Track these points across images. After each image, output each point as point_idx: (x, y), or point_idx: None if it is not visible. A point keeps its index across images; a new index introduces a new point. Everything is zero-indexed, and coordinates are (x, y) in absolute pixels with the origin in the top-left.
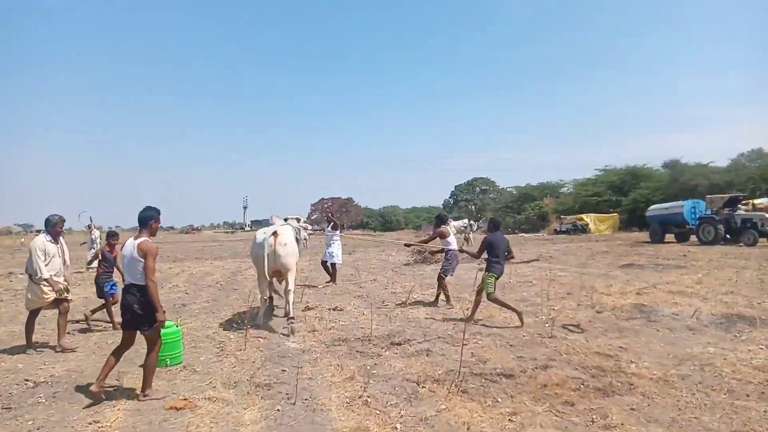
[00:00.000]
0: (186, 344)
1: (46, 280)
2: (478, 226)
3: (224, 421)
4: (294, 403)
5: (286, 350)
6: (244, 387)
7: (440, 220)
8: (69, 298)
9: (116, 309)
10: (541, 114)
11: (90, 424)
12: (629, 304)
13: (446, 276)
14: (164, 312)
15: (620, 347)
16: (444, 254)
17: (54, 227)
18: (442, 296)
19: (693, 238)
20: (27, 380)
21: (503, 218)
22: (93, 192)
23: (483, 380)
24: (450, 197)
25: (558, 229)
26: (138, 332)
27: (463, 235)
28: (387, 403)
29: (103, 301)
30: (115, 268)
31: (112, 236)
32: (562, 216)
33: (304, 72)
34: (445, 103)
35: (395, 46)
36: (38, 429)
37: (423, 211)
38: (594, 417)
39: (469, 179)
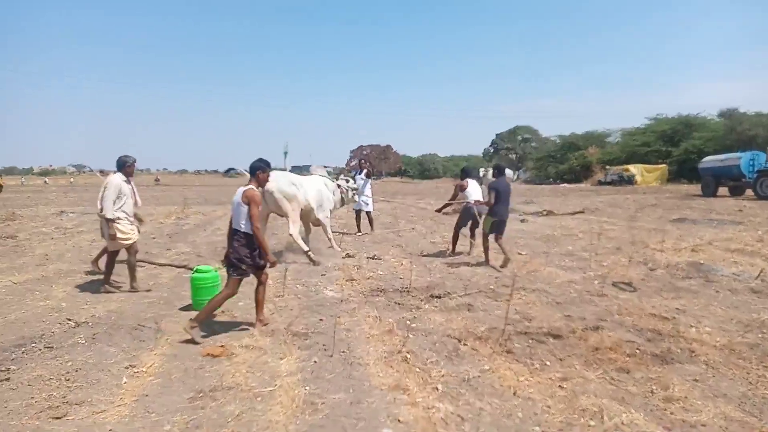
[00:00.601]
0: None
1: (109, 219)
2: (518, 175)
3: (260, 371)
4: (331, 356)
5: (324, 299)
6: (281, 335)
7: (465, 173)
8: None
9: None
10: (588, 59)
11: (126, 368)
12: (684, 261)
13: (459, 229)
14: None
15: (677, 309)
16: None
17: (129, 168)
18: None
19: (748, 192)
20: (69, 319)
21: (546, 168)
22: (138, 135)
23: (529, 340)
24: (490, 146)
25: (602, 180)
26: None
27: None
28: (427, 360)
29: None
30: None
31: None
32: (607, 166)
33: (345, 24)
34: (487, 50)
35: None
36: (76, 371)
37: (462, 160)
38: (653, 387)
39: (511, 127)
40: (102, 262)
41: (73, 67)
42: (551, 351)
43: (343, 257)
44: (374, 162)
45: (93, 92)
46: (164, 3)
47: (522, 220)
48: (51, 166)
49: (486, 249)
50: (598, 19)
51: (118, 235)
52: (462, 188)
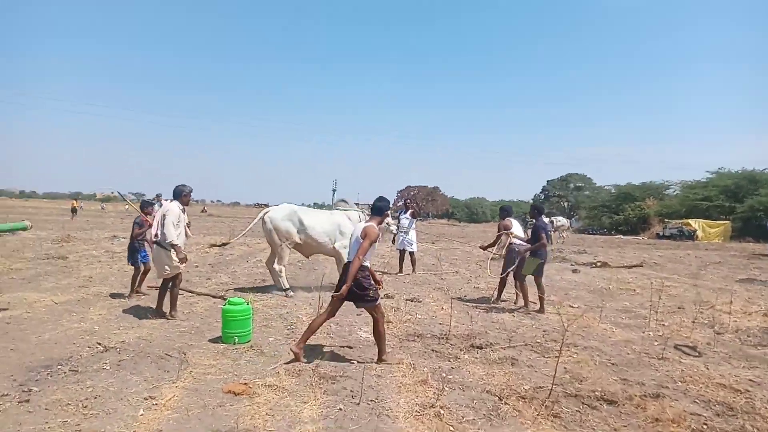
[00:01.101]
0: (258, 322)
1: (174, 246)
2: (571, 224)
3: (280, 415)
4: (358, 404)
5: (358, 340)
6: (307, 377)
7: (505, 212)
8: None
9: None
10: (649, 109)
11: (146, 399)
12: (756, 326)
13: (506, 273)
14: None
15: (751, 381)
16: (506, 250)
17: (185, 197)
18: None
19: None
20: (99, 344)
21: (599, 218)
22: (192, 166)
23: (579, 404)
24: (541, 192)
25: (661, 234)
26: (341, 304)
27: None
28: (463, 418)
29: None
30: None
31: (147, 205)
32: (665, 219)
33: (401, 64)
34: (540, 94)
35: (500, 46)
36: (95, 398)
37: (511, 205)
38: None
39: (563, 174)
40: (145, 287)
41: (133, 101)
42: (604, 419)
43: (381, 297)
44: (421, 203)
45: (152, 124)
46: (214, 40)
47: (574, 270)
48: (113, 192)
49: (525, 293)
50: (658, 65)
51: (179, 258)
52: (507, 228)
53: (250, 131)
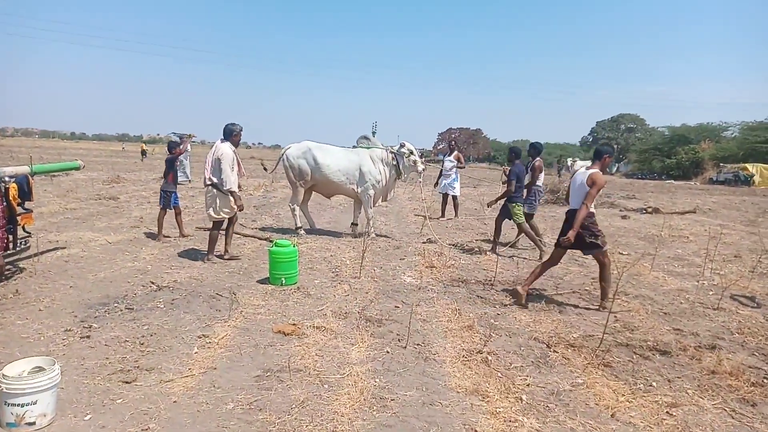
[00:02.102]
0: (303, 264)
1: (231, 192)
2: (617, 168)
3: (329, 356)
4: (405, 347)
5: (401, 284)
6: (353, 319)
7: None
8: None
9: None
10: (705, 44)
11: (199, 337)
12: None
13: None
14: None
15: None
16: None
17: (236, 136)
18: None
19: None
20: (152, 282)
21: (650, 162)
22: (240, 110)
23: (631, 354)
24: (589, 134)
25: (714, 179)
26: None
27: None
28: (510, 364)
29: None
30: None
31: (175, 146)
32: (721, 164)
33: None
34: (589, 29)
35: None
36: (151, 335)
37: (556, 148)
38: None
39: (614, 115)
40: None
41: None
42: (657, 369)
43: (423, 242)
44: (462, 146)
45: (201, 65)
46: None
47: (623, 217)
48: (158, 134)
49: (533, 236)
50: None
51: (237, 205)
52: (541, 169)
53: (288, 70)
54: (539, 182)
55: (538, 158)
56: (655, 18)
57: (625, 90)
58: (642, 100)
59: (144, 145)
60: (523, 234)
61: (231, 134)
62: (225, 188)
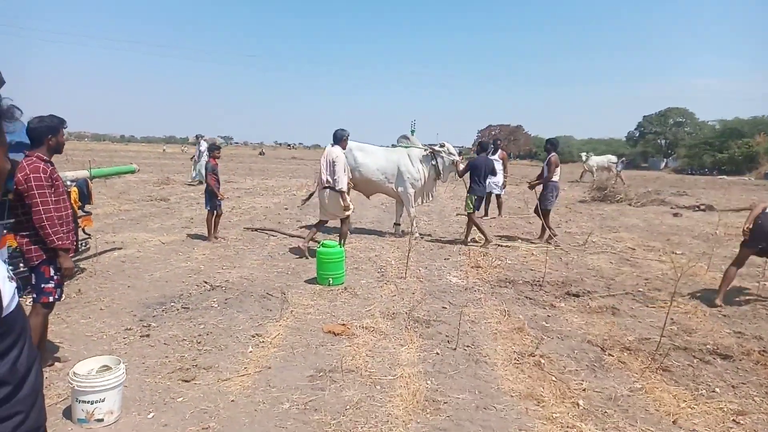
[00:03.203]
0: (348, 265)
1: (341, 193)
2: (666, 163)
3: (380, 357)
4: (454, 349)
5: (448, 285)
6: (402, 320)
7: (554, 145)
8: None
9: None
10: (756, 32)
11: (253, 336)
12: None
13: (549, 209)
14: None
15: None
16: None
17: (345, 141)
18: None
19: None
20: (206, 282)
21: (700, 156)
22: (272, 110)
23: (690, 357)
24: (636, 129)
25: None
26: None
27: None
28: (565, 368)
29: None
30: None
31: (216, 149)
32: None
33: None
34: (636, 19)
35: None
36: (207, 334)
37: (601, 144)
38: None
39: (662, 109)
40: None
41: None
42: (719, 374)
43: (467, 243)
44: (503, 142)
45: (243, 67)
46: None
47: (675, 214)
48: (203, 135)
49: (480, 227)
50: None
51: (345, 205)
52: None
53: (329, 71)
54: (555, 177)
55: (553, 153)
56: (701, 8)
57: (672, 83)
58: (692, 93)
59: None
60: (474, 227)
61: (341, 139)
62: (337, 188)
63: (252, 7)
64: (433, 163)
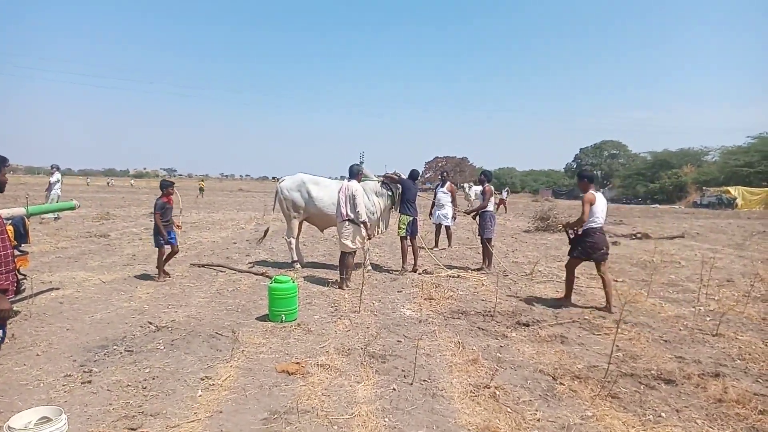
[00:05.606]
0: (301, 299)
1: (364, 223)
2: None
3: (336, 395)
4: (411, 383)
5: (402, 318)
6: (357, 356)
7: (486, 177)
8: None
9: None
10: (683, 69)
11: (202, 379)
12: None
13: (490, 238)
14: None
15: None
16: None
17: (359, 175)
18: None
19: None
20: (150, 323)
21: (633, 186)
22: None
23: (637, 383)
24: (573, 161)
25: (698, 202)
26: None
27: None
28: (519, 399)
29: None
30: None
31: (170, 185)
32: (704, 187)
33: (426, 33)
34: (571, 59)
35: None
36: (153, 378)
37: (541, 175)
38: None
39: (597, 142)
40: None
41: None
42: (665, 399)
43: (419, 273)
44: (449, 174)
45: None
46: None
47: (614, 243)
48: (145, 168)
49: (411, 252)
50: (695, 23)
51: (369, 233)
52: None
53: (275, 102)
54: (490, 207)
55: (487, 184)
56: (637, 44)
57: (608, 116)
58: (624, 126)
59: (202, 182)
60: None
61: (357, 173)
62: (360, 220)
63: (194, 38)
64: (389, 193)
